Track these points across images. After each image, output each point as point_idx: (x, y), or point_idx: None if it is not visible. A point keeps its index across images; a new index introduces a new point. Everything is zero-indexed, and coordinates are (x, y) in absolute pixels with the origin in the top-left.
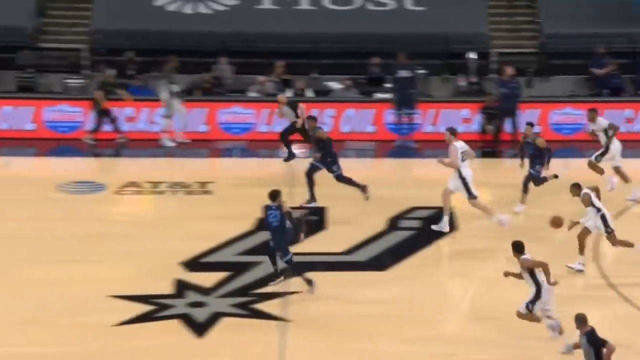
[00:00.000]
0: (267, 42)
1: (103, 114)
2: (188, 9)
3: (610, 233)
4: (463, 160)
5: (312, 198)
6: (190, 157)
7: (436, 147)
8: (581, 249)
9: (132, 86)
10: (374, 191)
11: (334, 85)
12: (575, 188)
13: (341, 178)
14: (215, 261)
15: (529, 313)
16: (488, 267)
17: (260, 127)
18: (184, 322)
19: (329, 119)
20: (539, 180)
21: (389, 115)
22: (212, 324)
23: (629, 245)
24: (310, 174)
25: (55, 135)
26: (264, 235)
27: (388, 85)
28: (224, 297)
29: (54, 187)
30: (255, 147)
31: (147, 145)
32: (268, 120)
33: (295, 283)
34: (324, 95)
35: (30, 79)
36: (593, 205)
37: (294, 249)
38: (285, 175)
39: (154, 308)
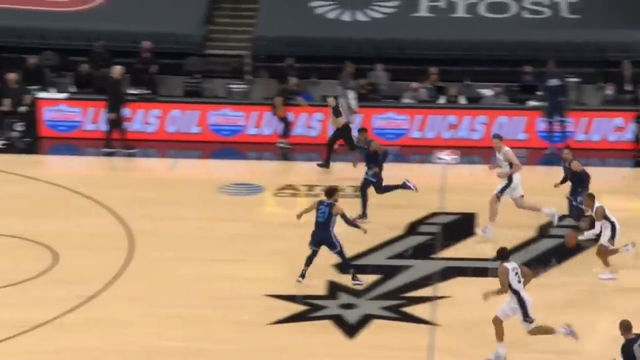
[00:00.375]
0: (422, 49)
1: (281, 120)
2: (347, 17)
3: (606, 247)
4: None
5: (364, 214)
6: (345, 161)
7: (588, 155)
8: (606, 263)
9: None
10: (526, 198)
11: (486, 92)
12: (590, 199)
13: (382, 190)
14: (366, 264)
15: (535, 325)
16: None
17: (413, 133)
18: (336, 323)
19: (481, 126)
20: None
21: (541, 123)
22: (362, 326)
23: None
24: (364, 188)
25: (219, 139)
26: (415, 240)
27: (540, 93)
28: (374, 300)
29: (215, 189)
30: (407, 152)
31: (302, 150)
32: (420, 126)
33: (444, 287)
34: (475, 102)
35: (197, 84)
36: (607, 218)
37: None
38: (437, 180)
39: (308, 308)
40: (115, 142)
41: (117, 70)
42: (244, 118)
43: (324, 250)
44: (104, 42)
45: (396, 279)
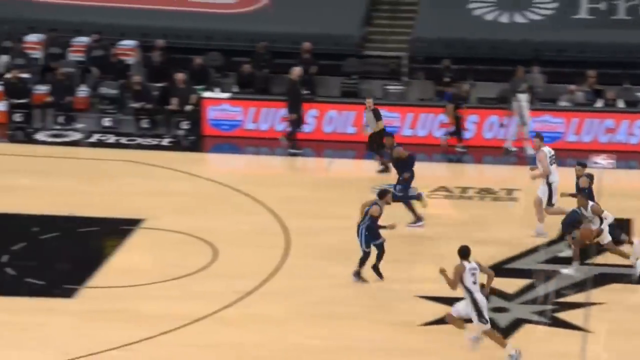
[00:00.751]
0: (580, 51)
1: (453, 125)
2: (504, 18)
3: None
4: (551, 165)
5: (417, 218)
6: (499, 163)
7: None
8: (621, 255)
9: (447, 93)
10: None
11: None
12: (583, 199)
13: (399, 199)
14: (518, 268)
15: (489, 329)
16: None
17: (569, 136)
18: None
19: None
20: None
21: None
22: (513, 330)
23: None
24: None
25: None
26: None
27: None
28: (526, 304)
29: (369, 189)
30: (563, 156)
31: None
32: (577, 130)
33: (597, 294)
34: (634, 106)
35: (354, 85)
36: (602, 214)
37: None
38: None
39: None
40: (295, 141)
41: (295, 72)
42: (399, 119)
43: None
44: (266, 43)
45: (548, 283)
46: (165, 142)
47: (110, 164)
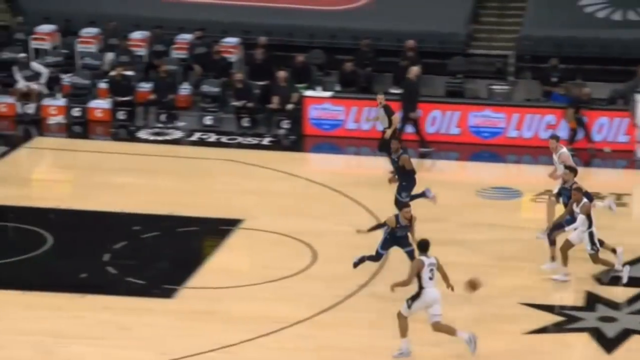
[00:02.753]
0: None
1: (575, 129)
2: (617, 16)
3: (595, 252)
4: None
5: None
6: (608, 167)
7: None
8: (565, 260)
9: (554, 93)
10: None
11: None
12: (578, 192)
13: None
14: (630, 276)
15: (404, 315)
16: None
17: None
18: (594, 337)
19: None
20: None
21: None
22: (621, 341)
23: (609, 264)
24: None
25: (478, 141)
26: None
27: None
28: (636, 314)
29: (474, 192)
30: None
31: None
32: None
33: None
34: None
35: (459, 85)
36: (589, 217)
37: None
38: None
39: (564, 319)
40: (404, 141)
41: (414, 71)
42: (504, 120)
43: (583, 260)
44: (369, 40)
45: None
46: (265, 141)
47: (210, 163)
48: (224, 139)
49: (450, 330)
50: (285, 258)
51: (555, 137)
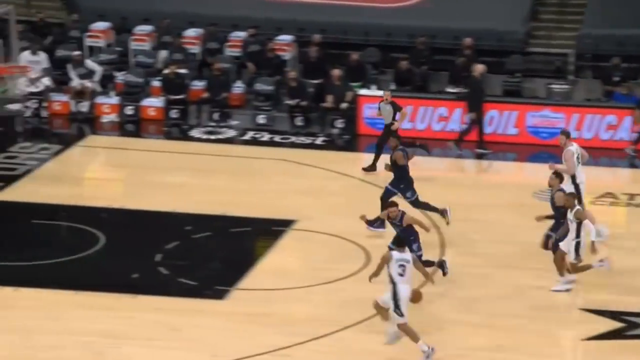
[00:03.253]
0: None
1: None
2: None
3: (577, 263)
4: (577, 164)
5: (382, 224)
6: None
7: None
8: (561, 271)
9: (616, 93)
10: None
11: None
12: (572, 198)
13: (417, 203)
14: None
15: (404, 322)
16: None
17: None
18: None
19: None
20: None
21: None
22: None
23: (587, 267)
24: (385, 197)
25: (537, 141)
26: None
27: None
28: None
29: (530, 194)
30: None
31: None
32: None
33: None
34: None
35: (517, 84)
36: (581, 224)
37: None
38: None
39: (624, 325)
40: (464, 142)
41: (479, 69)
42: (564, 120)
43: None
44: (425, 38)
45: None
46: (319, 140)
47: (263, 163)
48: (277, 138)
49: (413, 336)
50: (338, 260)
51: (565, 133)
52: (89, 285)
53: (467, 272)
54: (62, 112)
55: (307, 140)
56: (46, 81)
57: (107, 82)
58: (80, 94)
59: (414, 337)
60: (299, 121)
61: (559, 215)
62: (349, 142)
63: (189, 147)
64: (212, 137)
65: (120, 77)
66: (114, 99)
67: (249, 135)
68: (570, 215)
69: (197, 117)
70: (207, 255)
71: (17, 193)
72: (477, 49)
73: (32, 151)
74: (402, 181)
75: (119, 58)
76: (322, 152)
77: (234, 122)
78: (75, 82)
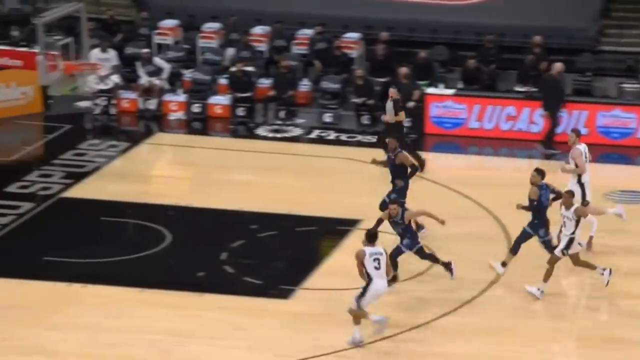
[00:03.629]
0: None
1: None
2: None
3: (560, 257)
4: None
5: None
6: None
7: None
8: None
9: None
10: None
11: None
12: (570, 196)
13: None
14: None
15: (358, 309)
16: None
17: None
18: None
19: None
20: None
21: None
22: None
23: (547, 278)
24: (383, 208)
25: (607, 142)
26: None
27: None
28: None
29: (601, 195)
30: None
31: None
32: None
33: None
34: None
35: (587, 83)
36: (578, 222)
37: None
38: None
39: None
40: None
41: (557, 67)
42: (635, 120)
43: None
44: (493, 36)
45: None
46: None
47: (329, 161)
48: (343, 137)
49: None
50: (403, 261)
51: (575, 131)
52: (155, 283)
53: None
54: (130, 109)
55: (373, 139)
56: (115, 79)
57: (174, 79)
58: (148, 92)
59: (356, 322)
60: (365, 120)
61: (536, 214)
62: (415, 141)
63: (255, 146)
64: (278, 135)
65: (187, 74)
66: (182, 97)
67: (315, 133)
68: (568, 213)
69: (264, 115)
70: (272, 254)
71: (86, 190)
72: (546, 47)
73: (101, 148)
74: (400, 181)
75: (187, 56)
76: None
77: (300, 121)
78: (144, 80)
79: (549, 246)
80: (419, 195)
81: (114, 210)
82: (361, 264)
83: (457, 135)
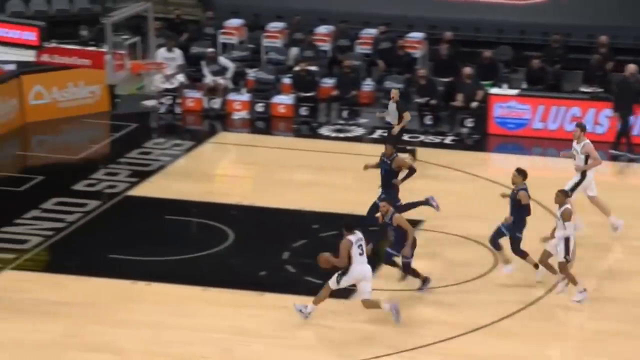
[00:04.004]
0: None
1: None
2: None
3: (567, 262)
4: None
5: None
6: None
7: None
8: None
9: None
10: None
11: None
12: (562, 195)
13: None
14: None
15: (329, 288)
16: None
17: None
18: None
19: None
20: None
21: None
22: None
23: (574, 281)
24: (372, 212)
25: None
26: None
27: None
28: None
29: None
30: None
31: None
32: None
33: None
34: None
35: None
36: (566, 223)
37: None
38: None
39: None
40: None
41: (630, 68)
42: None
43: None
44: (559, 36)
45: None
46: (448, 140)
47: None
48: (405, 137)
49: (376, 305)
50: (465, 261)
51: (580, 126)
52: (217, 281)
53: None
54: (195, 108)
55: (436, 139)
56: (180, 78)
57: (239, 79)
58: (212, 91)
59: (318, 300)
60: (428, 120)
61: (517, 216)
62: (478, 141)
63: (318, 145)
64: (341, 135)
65: (251, 74)
66: (245, 96)
67: (377, 133)
68: (558, 212)
69: (327, 115)
70: (334, 254)
71: (151, 188)
72: (613, 47)
73: (165, 147)
74: (392, 186)
75: (251, 55)
76: (450, 152)
77: (362, 120)
78: (208, 79)
79: (516, 245)
80: (481, 197)
81: (178, 209)
82: (348, 253)
83: (521, 136)
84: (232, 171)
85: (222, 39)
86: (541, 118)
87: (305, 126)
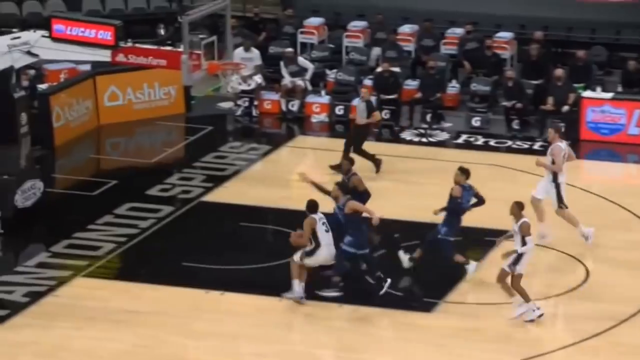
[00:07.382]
0: None
1: None
2: None
3: (517, 276)
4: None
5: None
6: None
7: None
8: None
9: None
10: None
11: None
12: (518, 208)
13: None
14: None
15: (299, 263)
16: None
17: None
18: None
19: None
20: None
21: None
22: None
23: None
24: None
25: None
26: None
27: None
28: None
29: None
30: None
31: None
32: None
33: None
34: None
35: None
36: (527, 238)
37: None
38: None
39: None
40: None
41: None
42: None
43: None
44: None
45: None
46: (537, 145)
47: (476, 168)
48: (492, 142)
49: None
50: (554, 274)
51: (554, 127)
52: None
53: None
54: (272, 111)
55: (524, 145)
56: (258, 79)
57: (318, 80)
58: (291, 93)
59: (294, 276)
60: (515, 124)
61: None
62: (569, 147)
63: (400, 150)
64: (424, 139)
65: (331, 75)
66: (325, 98)
67: (462, 138)
68: (515, 226)
69: (409, 118)
70: (415, 265)
71: (226, 194)
72: None
73: (241, 151)
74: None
75: (331, 55)
76: (540, 158)
77: (446, 124)
78: (287, 80)
79: (447, 246)
80: (572, 205)
81: (253, 215)
82: (312, 231)
83: (615, 142)
84: (310, 176)
85: (301, 38)
86: (637, 123)
87: (386, 130)
